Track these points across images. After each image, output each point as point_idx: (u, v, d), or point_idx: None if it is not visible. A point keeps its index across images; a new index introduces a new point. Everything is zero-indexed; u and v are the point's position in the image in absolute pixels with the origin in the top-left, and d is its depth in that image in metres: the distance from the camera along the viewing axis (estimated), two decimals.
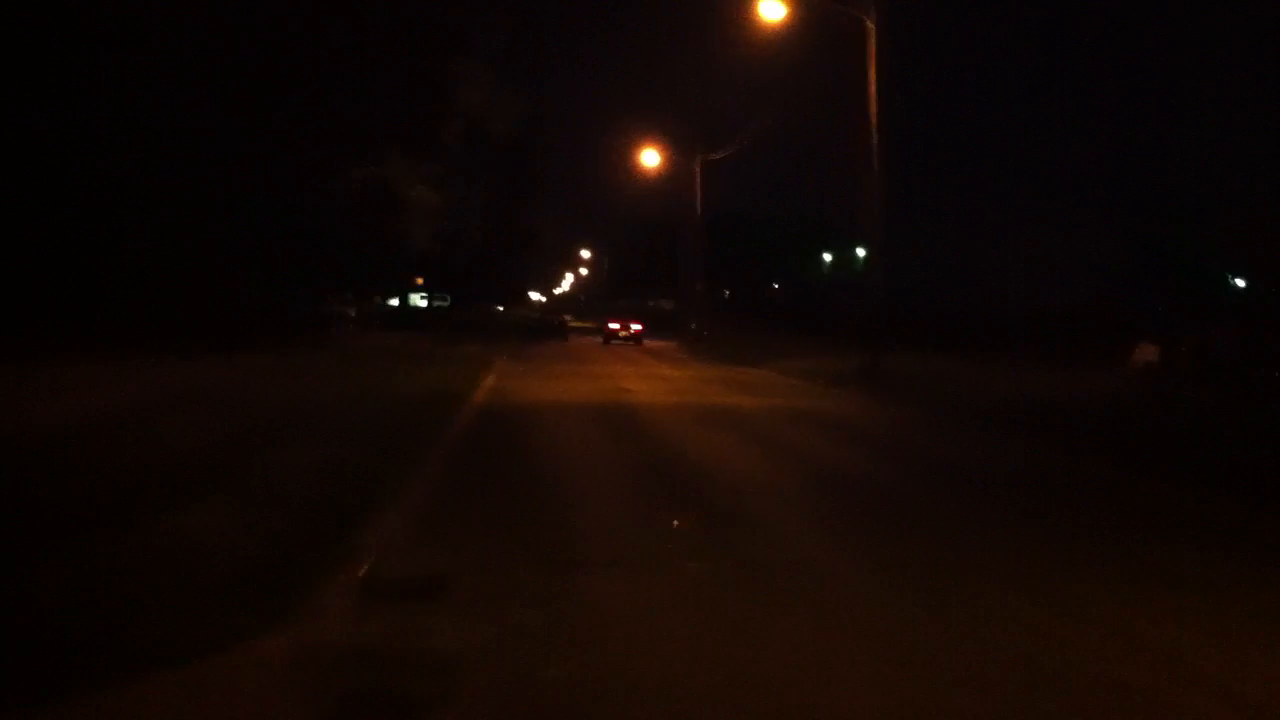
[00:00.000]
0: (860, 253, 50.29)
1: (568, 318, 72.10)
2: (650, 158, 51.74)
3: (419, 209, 27.71)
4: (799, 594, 6.28)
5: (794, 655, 5.16)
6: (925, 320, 36.21)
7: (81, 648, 4.94)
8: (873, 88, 25.23)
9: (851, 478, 11.06)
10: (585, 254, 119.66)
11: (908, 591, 6.38)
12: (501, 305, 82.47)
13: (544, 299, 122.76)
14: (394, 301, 57.97)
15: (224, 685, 4.65)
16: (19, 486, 8.19)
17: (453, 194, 28.49)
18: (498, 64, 27.82)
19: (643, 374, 25.96)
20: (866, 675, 4.89)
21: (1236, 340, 23.09)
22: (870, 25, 25.11)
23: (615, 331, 54.96)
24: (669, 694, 4.64)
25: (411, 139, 26.18)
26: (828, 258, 62.65)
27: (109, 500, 7.84)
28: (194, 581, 6.05)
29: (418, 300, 64.64)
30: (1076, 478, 11.56)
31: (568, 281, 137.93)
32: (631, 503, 9.28)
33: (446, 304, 64.30)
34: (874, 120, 25.25)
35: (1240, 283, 41.05)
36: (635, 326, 55.23)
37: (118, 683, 4.58)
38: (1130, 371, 24.70)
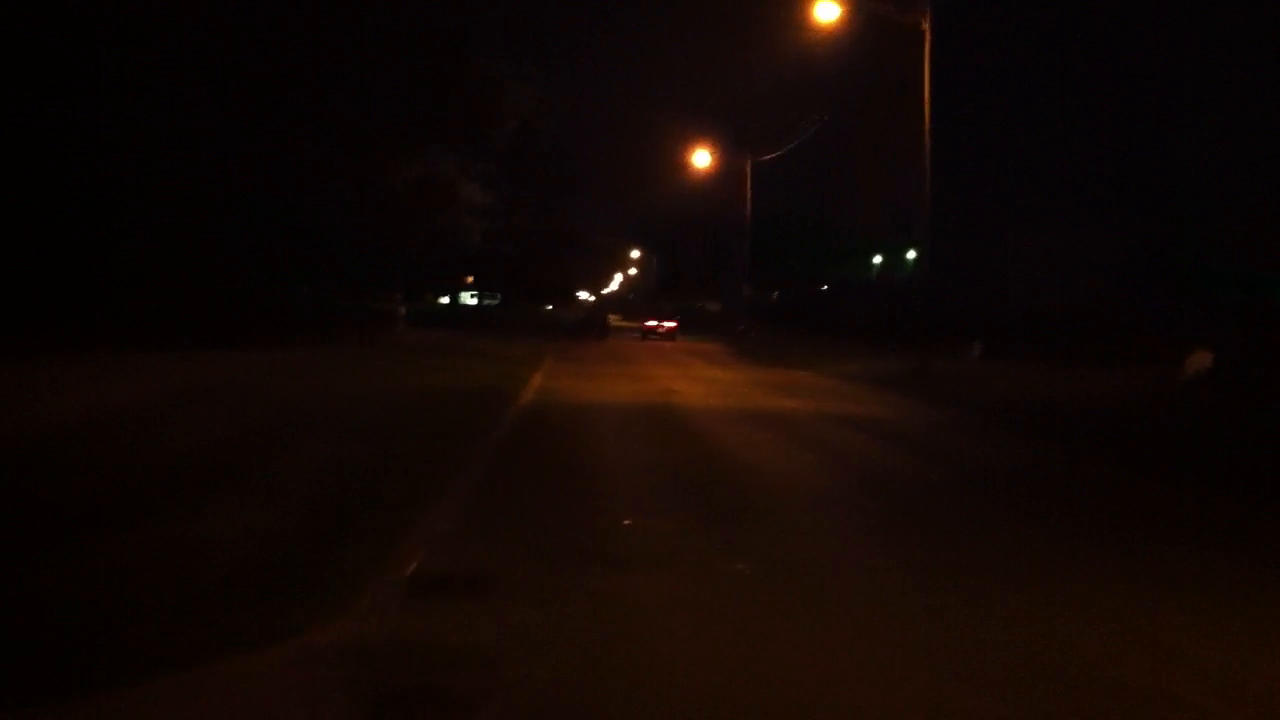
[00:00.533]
0: (912, 254, 49.87)
1: (613, 317, 74.04)
2: (701, 158, 51.76)
3: (469, 207, 27.91)
4: (839, 596, 6.30)
5: (823, 657, 5.20)
6: (964, 322, 35.85)
7: (134, 640, 5.03)
8: (927, 90, 25.12)
9: (896, 482, 11.00)
10: (635, 254, 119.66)
11: (942, 595, 6.41)
12: (550, 304, 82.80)
13: (592, 298, 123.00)
14: (445, 300, 58.38)
15: (271, 678, 4.73)
16: (80, 477, 8.36)
17: (503, 193, 28.68)
18: (551, 65, 28.01)
19: (688, 375, 25.98)
20: (902, 681, 4.91)
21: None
22: (926, 28, 24.99)
23: (652, 328, 59.06)
24: (710, 693, 4.67)
25: (463, 137, 26.38)
26: (877, 260, 62.19)
27: (151, 494, 7.98)
28: (242, 575, 6.16)
29: (468, 299, 65.05)
30: (1133, 491, 11.35)
31: (617, 281, 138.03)
32: (675, 503, 9.31)
33: (496, 302, 64.68)
34: (928, 122, 25.16)
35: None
36: (669, 324, 59.21)
37: (168, 674, 4.66)
38: (1187, 375, 24.34)
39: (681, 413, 16.70)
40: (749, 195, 50.08)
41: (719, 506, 9.21)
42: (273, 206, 23.06)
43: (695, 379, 24.70)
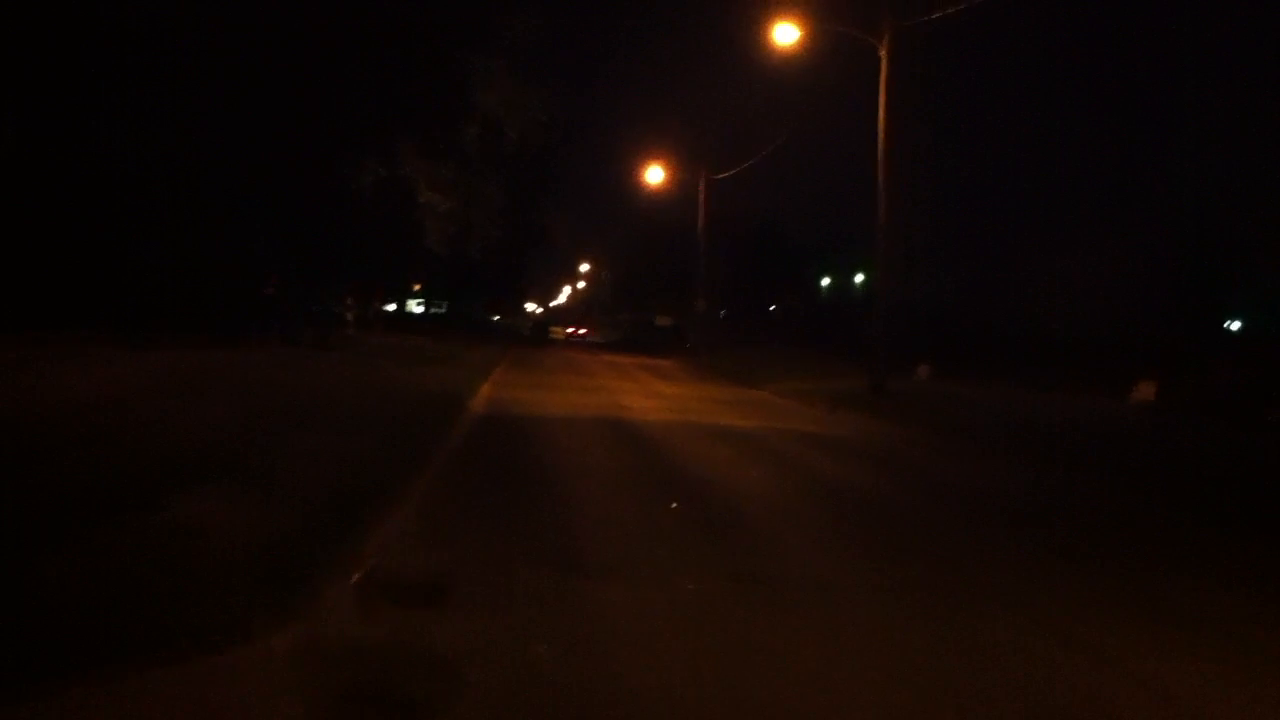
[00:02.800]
0: (860, 277, 50.35)
1: (555, 329, 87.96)
2: (656, 174, 51.85)
3: (430, 212, 27.78)
4: (792, 609, 6.40)
5: (788, 671, 5.27)
6: (930, 342, 36.33)
7: (82, 639, 4.96)
8: (882, 111, 25.40)
9: (855, 498, 11.10)
10: (585, 267, 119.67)
11: (900, 610, 6.51)
12: (497, 315, 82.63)
13: (540, 310, 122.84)
14: (391, 306, 58.02)
15: (228, 680, 4.70)
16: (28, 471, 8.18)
17: (466, 196, 28.57)
18: (516, 67, 27.90)
19: (641, 390, 25.98)
20: (858, 694, 5.00)
21: (1230, 375, 23.32)
22: (883, 53, 25.27)
23: (572, 334, 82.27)
24: (663, 702, 4.74)
25: (427, 138, 26.25)
26: (826, 281, 62.76)
27: (117, 485, 7.85)
28: (197, 574, 6.08)
29: (414, 306, 64.71)
30: (1080, 504, 11.73)
31: (565, 294, 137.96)
32: (630, 515, 9.32)
33: (443, 311, 64.33)
34: (882, 142, 25.43)
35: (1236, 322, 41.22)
36: (582, 330, 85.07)
37: (119, 674, 4.61)
38: (1132, 403, 24.90)
39: (636, 427, 16.70)
40: (703, 211, 50.26)
41: (674, 519, 9.26)
42: (238, 203, 22.91)
43: (648, 394, 24.71)
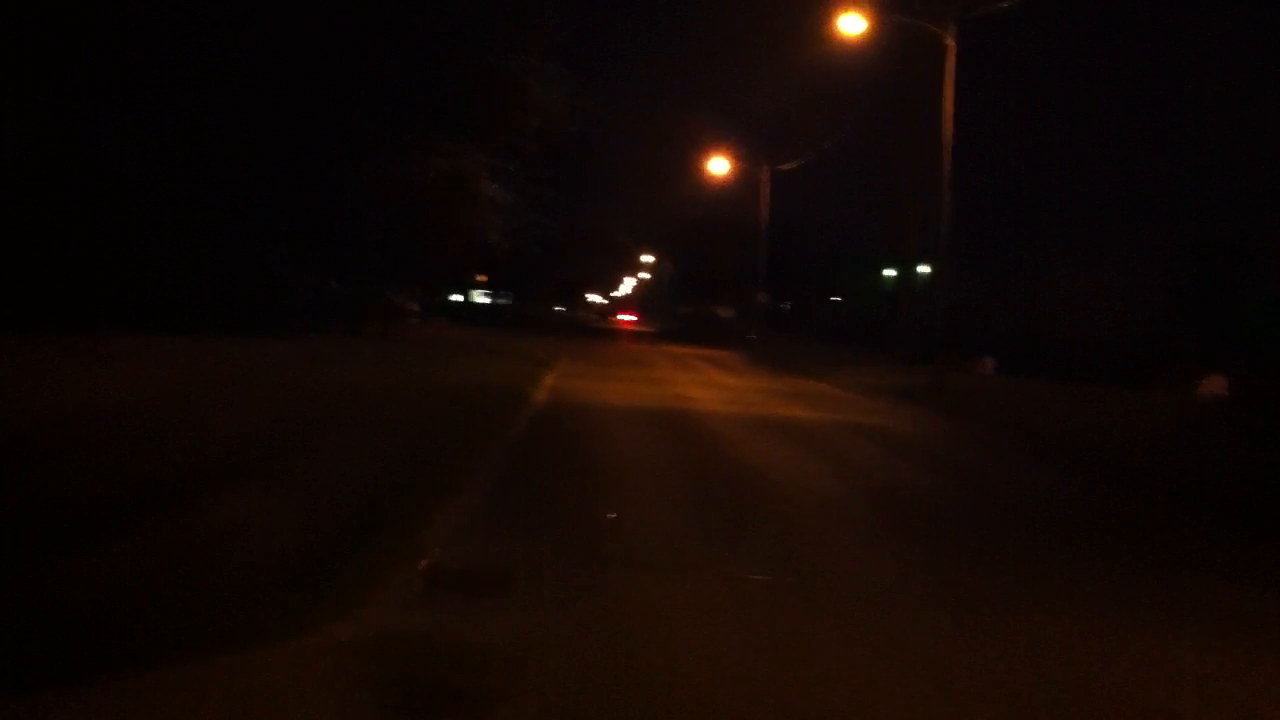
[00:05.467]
0: (923, 269, 49.82)
1: (611, 318, 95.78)
2: (719, 165, 51.65)
3: (491, 204, 27.95)
4: (847, 607, 6.39)
5: (838, 668, 5.25)
6: (985, 339, 35.96)
7: (140, 629, 5.04)
8: (949, 104, 25.12)
9: (916, 496, 11.03)
10: (647, 259, 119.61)
11: (954, 613, 6.42)
12: (561, 305, 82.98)
13: (603, 300, 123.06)
14: (458, 297, 58.45)
15: (294, 669, 4.78)
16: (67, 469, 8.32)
17: (525, 191, 28.71)
18: (575, 64, 27.98)
19: (701, 381, 25.97)
20: (906, 696, 4.95)
21: None
22: (950, 43, 24.99)
23: (620, 321, 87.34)
24: (720, 694, 4.74)
25: (488, 135, 26.40)
26: (891, 273, 62.19)
27: (170, 479, 7.98)
28: (264, 566, 6.18)
29: (480, 297, 65.14)
30: (1135, 509, 11.54)
31: (628, 285, 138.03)
32: (690, 508, 9.35)
33: (508, 302, 64.78)
34: (948, 136, 25.15)
35: None
36: (631, 317, 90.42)
37: (185, 662, 4.67)
38: (1200, 399, 24.44)
39: (697, 419, 16.69)
40: (765, 204, 50.06)
41: (737, 514, 9.22)
42: (299, 197, 23.21)
43: (709, 385, 24.69)
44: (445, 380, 18.32)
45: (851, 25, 26.94)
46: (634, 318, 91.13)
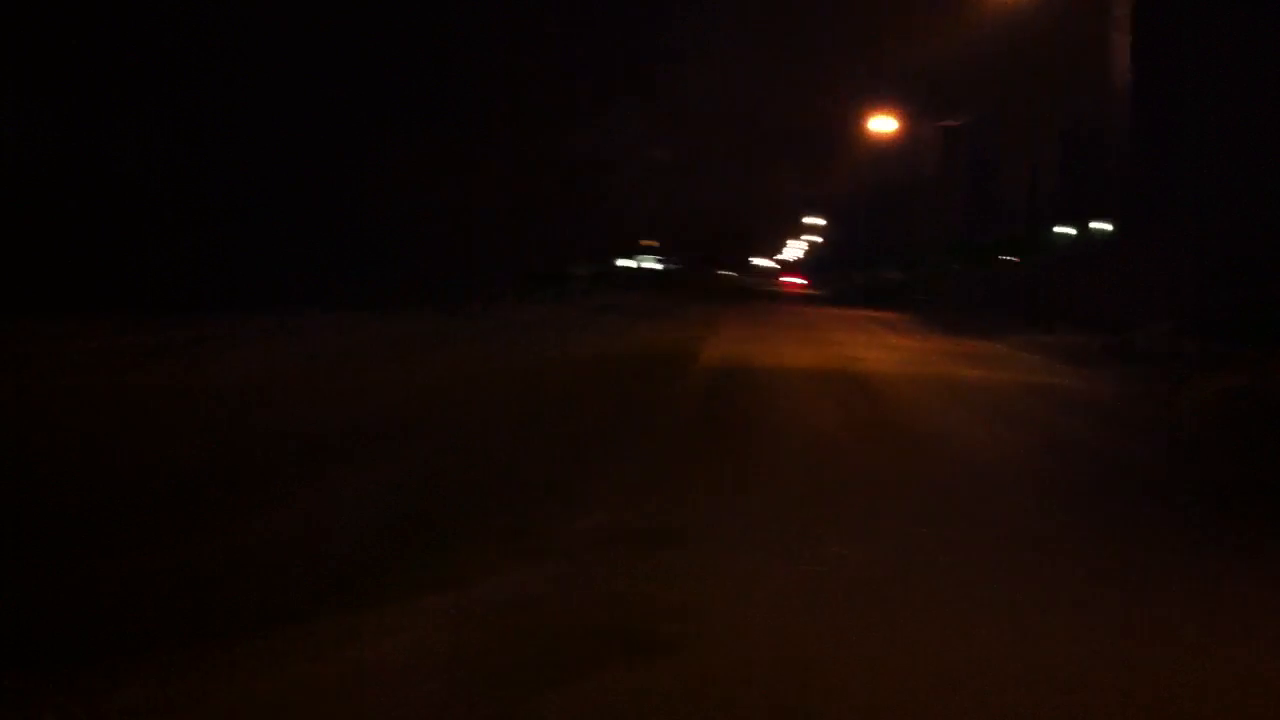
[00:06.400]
0: (1099, 226, 47.80)
1: (783, 281, 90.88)
2: (885, 124, 50.75)
3: (658, 168, 28.18)
4: (1017, 572, 6.04)
5: (1008, 636, 4.96)
6: (1156, 298, 34.26)
7: (315, 580, 5.35)
8: (1124, 53, 24.12)
9: (1089, 457, 10.67)
10: (813, 221, 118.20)
11: (1126, 594, 5.82)
12: (727, 269, 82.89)
13: (770, 264, 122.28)
14: (628, 263, 58.97)
15: (465, 618, 4.89)
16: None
17: (687, 154, 28.86)
18: (742, 25, 27.90)
19: (871, 342, 25.60)
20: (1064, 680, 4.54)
21: None
22: None
23: (787, 284, 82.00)
24: (892, 655, 4.64)
25: (649, 100, 26.61)
26: (1066, 230, 59.89)
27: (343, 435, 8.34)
28: (438, 518, 6.44)
29: (649, 263, 65.53)
30: None
31: (795, 248, 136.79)
32: (860, 468, 9.24)
33: (676, 266, 64.99)
34: (1121, 86, 24.15)
35: None
36: (799, 280, 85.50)
37: (359, 611, 4.90)
38: None
39: (868, 379, 16.49)
40: (936, 161, 48.92)
41: (911, 477, 9.06)
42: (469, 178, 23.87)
43: (877, 345, 24.34)
44: (612, 345, 18.54)
45: None
46: (802, 281, 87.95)
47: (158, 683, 4.03)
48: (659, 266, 65.23)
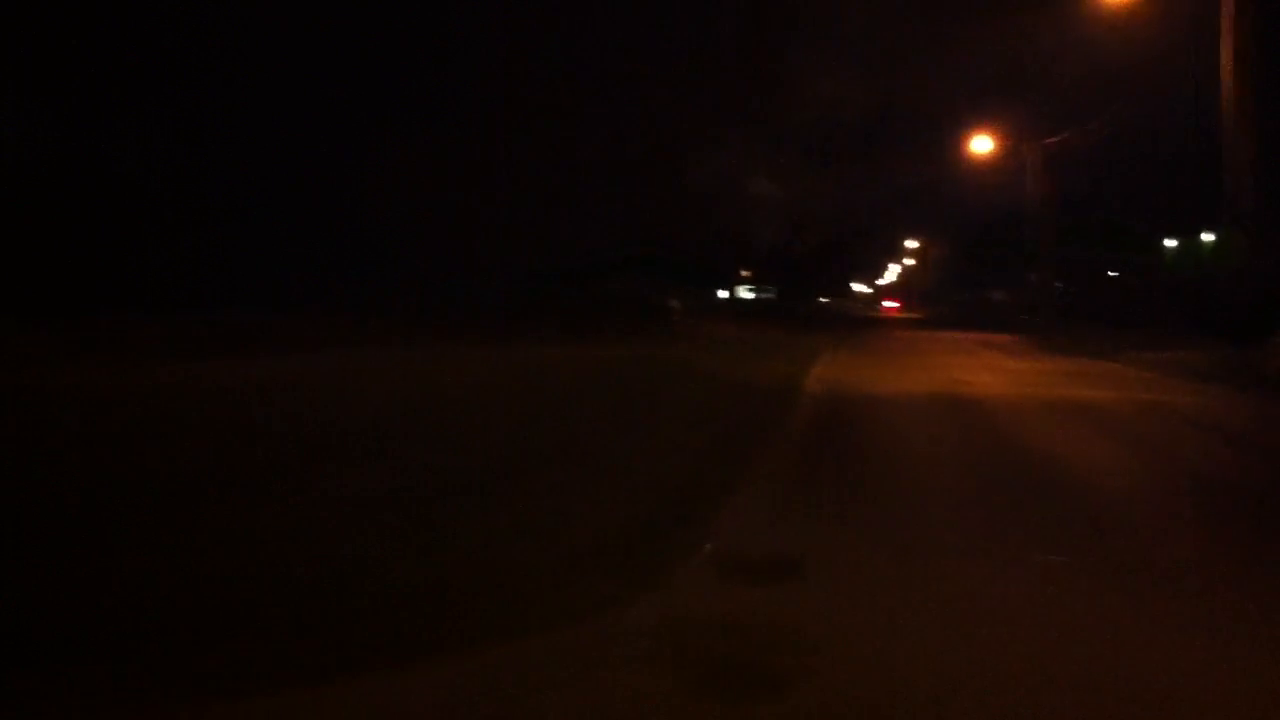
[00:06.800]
0: (1207, 238, 46.40)
1: (882, 305, 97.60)
2: (983, 144, 50.01)
3: (764, 203, 28.22)
4: (1159, 601, 5.89)
5: (1138, 654, 4.92)
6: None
7: (454, 612, 5.39)
8: (1228, 55, 23.48)
9: (1214, 478, 10.32)
10: (911, 244, 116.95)
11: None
12: (825, 297, 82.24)
13: (868, 289, 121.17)
14: (723, 293, 58.95)
15: (593, 648, 4.96)
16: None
17: (797, 187, 28.83)
18: (847, 54, 27.87)
19: (979, 365, 25.20)
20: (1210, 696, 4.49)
21: None
22: None
23: (886, 309, 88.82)
24: (1020, 685, 4.52)
25: (756, 130, 26.64)
26: (1171, 243, 58.36)
27: (480, 471, 8.48)
28: (564, 552, 6.51)
29: (744, 293, 65.43)
30: None
31: (893, 272, 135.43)
32: (978, 493, 9.13)
33: (773, 296, 64.75)
34: (1227, 87, 23.50)
35: None
36: (895, 304, 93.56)
37: (490, 645, 4.96)
38: None
39: (977, 403, 16.22)
40: (1037, 181, 48.07)
41: (1027, 497, 8.89)
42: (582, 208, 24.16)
43: (987, 368, 23.94)
44: (718, 376, 18.54)
45: None
46: (898, 304, 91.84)
47: None
48: (754, 296, 65.03)
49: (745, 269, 55.26)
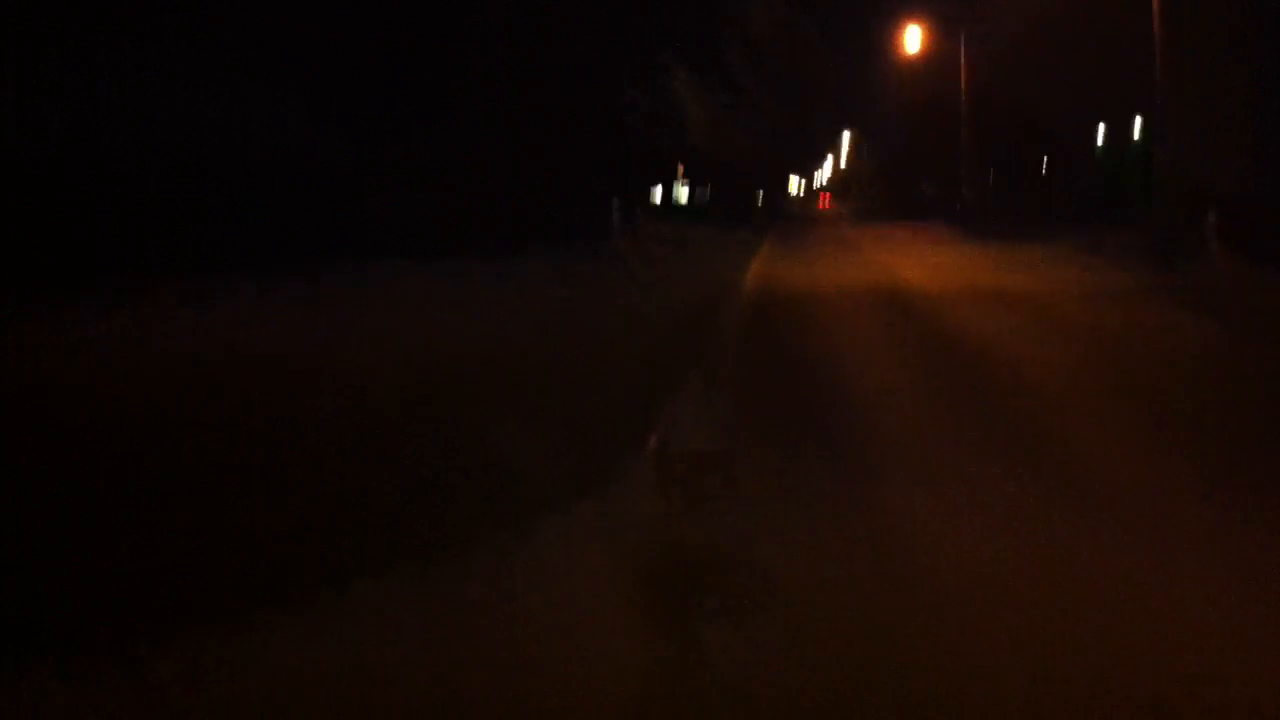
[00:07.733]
0: (1139, 122, 46.80)
1: (819, 202, 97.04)
2: (913, 39, 50.09)
3: (698, 121, 28.32)
4: (1094, 512, 5.53)
5: (1094, 580, 4.63)
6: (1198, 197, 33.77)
7: (417, 517, 5.51)
8: None
9: (1140, 358, 10.71)
10: (845, 138, 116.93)
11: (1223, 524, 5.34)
12: (760, 194, 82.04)
13: (804, 187, 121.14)
14: (659, 192, 58.76)
15: (544, 544, 5.12)
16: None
17: (732, 113, 28.99)
18: None
19: (909, 256, 25.61)
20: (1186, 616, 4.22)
21: None
22: None
23: (821, 205, 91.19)
24: (970, 606, 4.35)
25: (695, 60, 26.67)
26: (1101, 128, 58.81)
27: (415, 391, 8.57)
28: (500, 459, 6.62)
29: (680, 189, 65.13)
30: None
31: (828, 167, 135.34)
32: (910, 396, 8.97)
33: (707, 196, 64.60)
34: None
35: None
36: (829, 200, 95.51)
37: (446, 549, 5.04)
38: None
39: (909, 294, 16.47)
40: (964, 73, 48.29)
41: (958, 401, 8.69)
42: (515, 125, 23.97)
43: (917, 259, 24.33)
44: (650, 276, 18.66)
45: None
46: (831, 200, 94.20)
47: None
48: (688, 197, 64.89)
49: (681, 165, 55.01)
